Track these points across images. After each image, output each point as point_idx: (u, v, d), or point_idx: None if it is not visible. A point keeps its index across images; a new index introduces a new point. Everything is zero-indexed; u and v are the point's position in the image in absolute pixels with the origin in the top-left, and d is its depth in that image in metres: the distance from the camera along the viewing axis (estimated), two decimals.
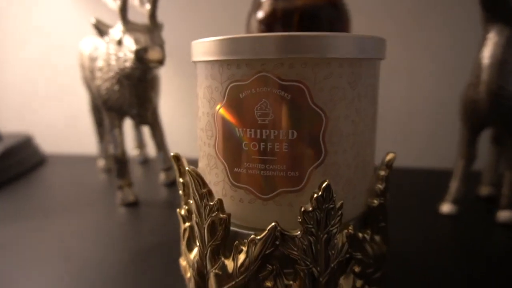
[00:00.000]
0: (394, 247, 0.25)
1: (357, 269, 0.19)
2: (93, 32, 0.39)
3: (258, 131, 0.17)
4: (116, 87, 0.33)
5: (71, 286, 0.24)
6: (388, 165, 0.20)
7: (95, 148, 0.57)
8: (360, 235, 0.19)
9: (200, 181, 0.18)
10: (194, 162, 0.21)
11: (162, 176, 0.44)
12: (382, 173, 0.20)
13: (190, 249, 0.21)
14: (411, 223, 0.33)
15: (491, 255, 0.27)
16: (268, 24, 0.34)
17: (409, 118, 0.51)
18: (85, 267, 0.27)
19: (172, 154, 0.22)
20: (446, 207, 0.34)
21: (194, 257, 0.20)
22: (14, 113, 0.66)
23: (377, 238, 0.20)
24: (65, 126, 0.63)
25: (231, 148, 0.18)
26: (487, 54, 0.29)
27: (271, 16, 0.34)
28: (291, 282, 0.18)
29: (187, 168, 0.19)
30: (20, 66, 0.63)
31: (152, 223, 0.34)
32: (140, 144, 0.53)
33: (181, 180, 0.22)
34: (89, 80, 0.39)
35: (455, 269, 0.25)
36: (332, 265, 0.18)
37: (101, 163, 0.50)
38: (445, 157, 0.49)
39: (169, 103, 0.57)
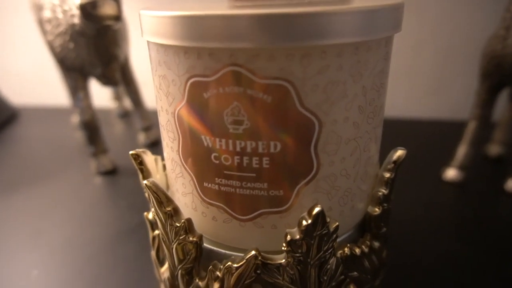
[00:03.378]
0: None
1: (353, 287, 0.16)
2: None
3: (231, 142, 0.13)
4: (71, 45, 0.28)
5: (40, 276, 0.22)
6: (396, 165, 0.16)
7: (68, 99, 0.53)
8: (358, 250, 0.16)
9: (163, 197, 0.15)
10: None
11: (141, 137, 0.40)
12: (387, 175, 0.16)
13: (161, 261, 0.18)
14: (409, 191, 0.30)
15: (497, 230, 0.25)
16: None
17: (416, 62, 0.46)
18: (56, 253, 0.25)
19: (131, 152, 0.18)
20: (451, 174, 0.31)
21: (165, 272, 0.17)
22: None
23: (376, 244, 0.17)
24: (33, 75, 0.57)
25: (198, 158, 0.14)
26: None
27: None
28: None
29: (145, 182, 0.15)
30: None
31: (131, 197, 0.31)
32: (118, 95, 0.48)
33: (144, 183, 0.18)
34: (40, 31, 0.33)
35: (457, 246, 0.23)
36: None
37: (76, 119, 0.45)
38: (454, 108, 0.45)
39: (141, 51, 0.50)
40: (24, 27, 0.54)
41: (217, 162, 0.14)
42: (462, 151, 0.30)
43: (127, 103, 0.49)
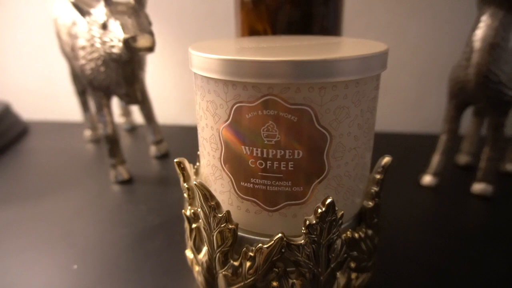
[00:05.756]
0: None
1: (353, 264, 0.21)
2: None
3: (265, 150, 0.18)
4: (102, 69, 0.32)
5: (80, 270, 0.26)
6: (384, 169, 0.21)
7: (76, 115, 0.56)
8: (357, 235, 0.21)
9: (208, 194, 0.19)
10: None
11: (153, 149, 0.44)
12: (378, 176, 0.21)
13: (197, 248, 0.22)
14: (393, 194, 0.35)
15: (465, 225, 0.30)
16: None
17: (395, 81, 0.52)
18: (90, 250, 0.28)
19: (175, 160, 0.22)
20: (427, 180, 0.36)
21: (203, 257, 0.21)
22: None
23: (370, 232, 0.22)
24: (42, 91, 0.60)
25: (237, 164, 0.19)
26: (479, 36, 0.29)
27: None
28: (294, 280, 0.20)
29: (194, 183, 0.19)
30: None
31: (149, 201, 0.35)
32: (126, 111, 0.52)
33: (185, 185, 0.22)
34: (69, 55, 0.37)
35: (430, 240, 0.28)
36: (332, 266, 0.20)
37: (88, 133, 0.49)
38: (428, 122, 0.51)
39: (153, 70, 0.54)
40: (34, 47, 0.58)
41: (253, 166, 0.18)
42: (435, 160, 0.36)
43: (135, 117, 0.53)
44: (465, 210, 0.33)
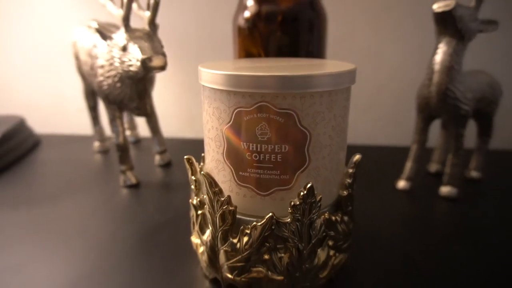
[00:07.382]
0: (357, 217, 0.32)
1: (330, 243, 0.26)
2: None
3: (258, 145, 0.23)
4: (118, 84, 0.37)
5: (96, 261, 0.30)
6: (355, 164, 0.26)
7: (84, 128, 0.61)
8: (333, 218, 0.25)
9: (213, 182, 0.24)
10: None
11: (157, 158, 0.48)
12: (350, 170, 0.26)
13: (202, 231, 0.27)
14: (372, 196, 0.40)
15: (433, 222, 0.35)
16: (254, 23, 0.38)
17: (376, 99, 0.57)
18: (105, 243, 0.32)
19: (185, 157, 0.27)
20: (401, 184, 0.41)
21: (207, 237, 0.26)
22: None
23: (345, 218, 0.27)
24: (53, 107, 0.65)
25: (236, 157, 0.24)
26: (437, 60, 0.35)
27: (257, 17, 0.38)
28: (282, 254, 0.24)
29: (202, 173, 0.24)
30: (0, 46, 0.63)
31: (155, 203, 0.39)
32: (131, 125, 0.57)
33: (193, 177, 0.27)
34: (86, 73, 0.42)
35: (403, 234, 0.33)
36: (313, 242, 0.24)
37: (97, 144, 0.53)
38: (404, 136, 0.56)
39: (157, 89, 0.59)
40: (46, 67, 0.63)
41: (249, 158, 0.23)
42: (408, 166, 0.41)
43: (139, 131, 0.58)
44: (434, 210, 0.37)
